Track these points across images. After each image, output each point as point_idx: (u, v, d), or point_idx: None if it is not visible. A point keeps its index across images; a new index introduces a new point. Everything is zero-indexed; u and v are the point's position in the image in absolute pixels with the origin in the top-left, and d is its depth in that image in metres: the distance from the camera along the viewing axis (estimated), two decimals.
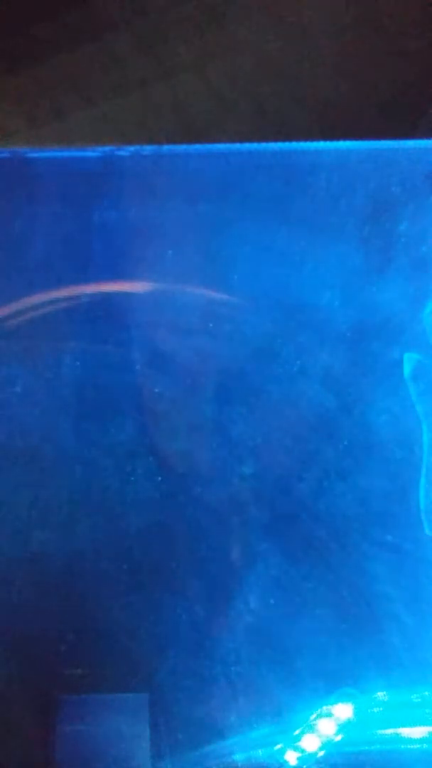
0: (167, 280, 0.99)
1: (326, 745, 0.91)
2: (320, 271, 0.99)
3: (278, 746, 0.91)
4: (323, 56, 1.02)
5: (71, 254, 0.99)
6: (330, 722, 0.92)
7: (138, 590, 0.94)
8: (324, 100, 1.02)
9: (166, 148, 0.99)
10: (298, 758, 0.91)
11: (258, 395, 0.98)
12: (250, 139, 0.99)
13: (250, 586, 0.94)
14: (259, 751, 0.91)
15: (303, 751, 0.91)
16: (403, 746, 0.91)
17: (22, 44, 1.01)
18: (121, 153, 0.99)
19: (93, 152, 0.99)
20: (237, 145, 0.99)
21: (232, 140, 1.00)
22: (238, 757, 0.91)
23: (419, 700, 0.93)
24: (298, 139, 0.99)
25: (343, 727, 0.92)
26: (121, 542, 0.95)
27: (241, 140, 0.99)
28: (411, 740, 0.91)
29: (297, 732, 0.92)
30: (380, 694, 0.92)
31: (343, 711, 0.92)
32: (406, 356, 0.98)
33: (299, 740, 0.91)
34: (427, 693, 0.93)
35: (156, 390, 0.98)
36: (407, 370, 0.98)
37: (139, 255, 0.99)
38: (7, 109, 1.02)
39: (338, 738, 0.92)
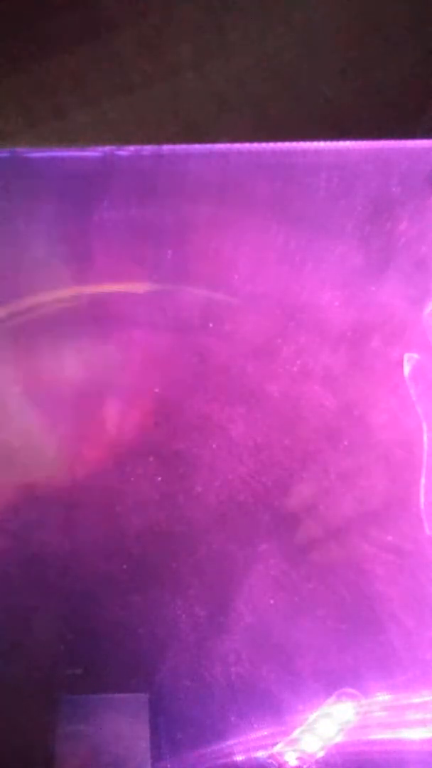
0: (167, 280, 0.99)
1: (326, 745, 0.91)
2: (320, 271, 0.99)
3: (278, 746, 0.91)
4: (323, 56, 1.02)
5: (71, 254, 0.99)
6: (330, 722, 0.91)
7: (138, 590, 0.94)
8: (324, 100, 1.02)
9: (166, 148, 0.99)
10: (298, 759, 0.91)
11: (258, 395, 0.98)
12: (250, 139, 0.99)
13: (250, 586, 0.94)
14: (259, 752, 0.91)
15: (303, 751, 0.91)
16: (403, 747, 0.91)
17: (22, 44, 1.01)
18: (121, 153, 0.99)
19: (93, 152, 0.99)
20: (237, 145, 0.99)
21: (232, 140, 1.00)
22: (238, 757, 0.91)
23: (419, 700, 0.93)
24: (298, 139, 0.99)
25: (343, 728, 0.91)
26: (121, 542, 0.95)
27: (241, 140, 0.99)
28: (411, 741, 0.91)
29: (297, 732, 0.91)
30: (380, 695, 0.92)
31: (343, 711, 0.92)
32: (406, 356, 0.98)
33: (299, 741, 0.91)
34: (427, 693, 0.93)
35: (156, 390, 0.98)
36: (407, 370, 0.98)
37: (139, 255, 0.99)
38: (7, 109, 1.02)
39: (338, 738, 0.91)
